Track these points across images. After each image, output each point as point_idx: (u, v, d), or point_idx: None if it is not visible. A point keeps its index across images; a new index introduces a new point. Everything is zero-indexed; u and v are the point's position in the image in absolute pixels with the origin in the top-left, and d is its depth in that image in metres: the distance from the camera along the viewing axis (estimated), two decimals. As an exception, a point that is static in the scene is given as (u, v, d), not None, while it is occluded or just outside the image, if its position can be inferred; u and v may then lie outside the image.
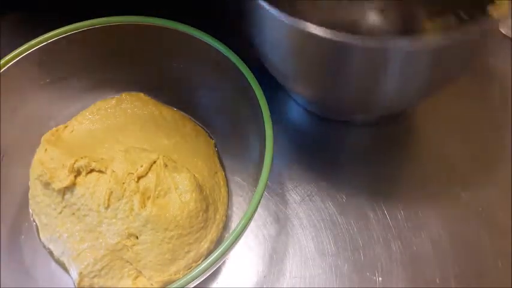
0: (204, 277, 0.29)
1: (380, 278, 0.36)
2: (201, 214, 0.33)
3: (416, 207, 0.39)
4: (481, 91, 0.45)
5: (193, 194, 0.33)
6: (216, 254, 0.27)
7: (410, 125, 0.43)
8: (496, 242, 0.37)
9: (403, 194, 0.40)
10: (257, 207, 0.28)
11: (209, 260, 0.27)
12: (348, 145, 0.43)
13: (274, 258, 0.37)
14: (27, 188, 0.35)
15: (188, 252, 0.33)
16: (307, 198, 0.39)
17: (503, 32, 0.48)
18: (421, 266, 0.36)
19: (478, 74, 0.46)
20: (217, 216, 0.35)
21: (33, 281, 0.33)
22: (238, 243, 0.29)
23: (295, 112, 0.43)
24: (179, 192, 0.33)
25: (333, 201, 0.39)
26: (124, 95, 0.39)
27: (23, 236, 0.35)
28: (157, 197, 0.33)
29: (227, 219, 0.36)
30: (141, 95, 0.39)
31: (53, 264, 0.34)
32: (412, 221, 0.38)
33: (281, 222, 0.38)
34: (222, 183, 0.37)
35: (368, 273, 0.36)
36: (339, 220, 0.38)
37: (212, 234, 0.34)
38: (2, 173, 0.35)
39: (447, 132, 0.43)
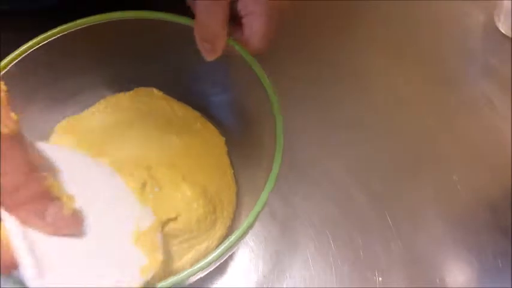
0: (209, 270, 0.29)
1: (380, 278, 0.36)
2: (209, 216, 0.33)
3: (417, 207, 0.39)
4: (480, 91, 0.45)
5: (200, 201, 0.33)
6: (216, 253, 0.27)
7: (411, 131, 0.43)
8: (496, 242, 0.37)
9: (403, 193, 0.40)
10: (263, 206, 0.28)
11: (209, 257, 0.27)
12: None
13: (274, 258, 0.37)
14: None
15: (197, 250, 0.33)
16: (307, 198, 0.39)
17: (503, 32, 0.48)
18: (421, 266, 0.36)
19: (478, 74, 0.46)
20: (225, 214, 0.35)
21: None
22: (241, 242, 0.29)
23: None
24: (186, 201, 0.33)
25: (332, 201, 0.39)
26: (137, 90, 0.39)
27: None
28: (165, 218, 0.32)
29: (235, 217, 0.36)
30: (154, 90, 0.39)
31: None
32: (412, 221, 0.38)
33: (281, 222, 0.38)
34: (230, 182, 0.37)
35: (368, 273, 0.36)
36: (339, 220, 0.38)
37: (221, 230, 0.34)
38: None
39: (447, 132, 0.43)
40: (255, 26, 0.31)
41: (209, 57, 0.32)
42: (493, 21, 0.48)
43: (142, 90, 0.39)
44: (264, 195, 0.28)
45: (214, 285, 0.36)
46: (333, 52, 0.46)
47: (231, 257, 0.37)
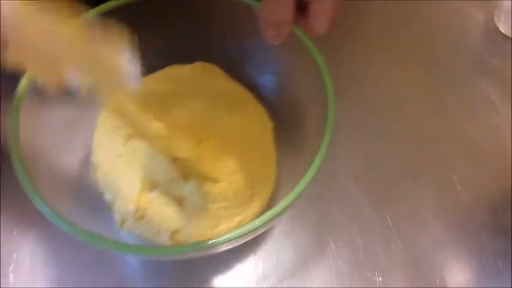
0: (240, 242, 0.29)
1: (380, 278, 0.36)
2: (247, 191, 0.34)
3: (416, 207, 0.39)
4: (480, 91, 0.45)
5: (240, 175, 0.34)
6: (248, 227, 0.27)
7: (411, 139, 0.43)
8: (496, 242, 0.37)
9: (403, 193, 0.40)
10: (300, 193, 0.29)
11: (250, 225, 0.27)
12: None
13: (274, 258, 0.37)
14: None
15: (231, 221, 0.34)
16: (307, 198, 0.39)
17: (503, 31, 0.48)
18: (421, 266, 0.36)
19: (478, 74, 0.46)
20: (262, 194, 0.35)
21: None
22: (252, 235, 0.29)
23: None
24: (227, 172, 0.35)
25: (332, 201, 0.39)
26: (198, 64, 0.40)
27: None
28: (208, 176, 0.34)
29: (271, 199, 0.36)
30: (214, 66, 0.40)
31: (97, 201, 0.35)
32: (412, 221, 0.38)
33: (282, 223, 0.38)
34: (272, 165, 0.37)
35: (368, 273, 0.36)
36: (339, 220, 0.38)
37: (256, 208, 0.35)
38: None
39: (447, 132, 0.43)
40: (323, 11, 0.31)
41: (274, 42, 0.32)
42: (493, 21, 0.48)
43: (203, 65, 0.40)
44: (298, 188, 0.28)
45: (214, 285, 0.36)
46: (336, 53, 0.46)
47: (231, 257, 0.37)
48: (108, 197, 0.35)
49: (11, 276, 0.36)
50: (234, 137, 0.37)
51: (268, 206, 0.35)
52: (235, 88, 0.40)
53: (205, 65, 0.40)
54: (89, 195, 0.35)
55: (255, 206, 0.35)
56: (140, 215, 0.34)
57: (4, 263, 0.36)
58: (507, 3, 0.46)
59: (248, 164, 0.36)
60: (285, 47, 0.33)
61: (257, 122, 0.39)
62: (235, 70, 0.40)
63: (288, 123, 0.38)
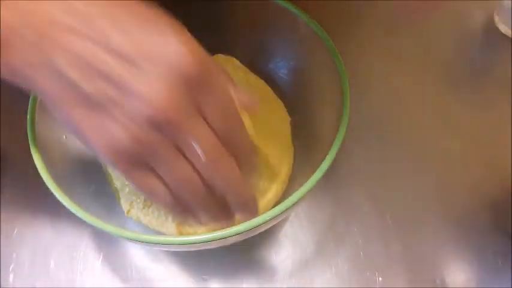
0: (245, 237, 0.29)
1: (380, 278, 0.36)
2: (262, 182, 0.35)
3: (417, 207, 0.39)
4: (480, 91, 0.45)
5: (260, 167, 0.34)
6: (254, 220, 0.27)
7: (410, 129, 0.43)
8: (496, 242, 0.37)
9: (403, 193, 0.40)
10: (310, 190, 0.29)
11: (248, 223, 0.27)
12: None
13: (274, 258, 0.37)
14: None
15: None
16: (307, 198, 0.39)
17: (502, 31, 0.48)
18: (421, 266, 0.36)
19: (478, 74, 0.46)
20: (277, 190, 0.36)
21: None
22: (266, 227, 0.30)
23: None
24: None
25: (332, 200, 0.39)
26: (217, 57, 0.40)
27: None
28: None
29: (285, 193, 0.36)
30: (234, 59, 0.40)
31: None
32: (412, 221, 0.38)
33: (281, 222, 0.38)
34: (290, 159, 0.38)
35: (368, 273, 0.36)
36: (339, 220, 0.38)
37: (268, 203, 0.35)
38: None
39: (447, 132, 0.43)
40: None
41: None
42: (493, 21, 0.48)
43: (221, 58, 0.40)
44: (307, 185, 0.29)
45: (214, 285, 0.36)
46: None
47: (230, 257, 0.37)
48: (117, 183, 0.35)
49: (11, 276, 0.36)
50: (255, 127, 0.37)
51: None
52: (255, 80, 0.40)
53: (225, 57, 0.41)
54: (97, 181, 0.35)
55: (268, 202, 0.35)
56: (148, 203, 0.34)
57: (4, 263, 0.36)
58: (507, 3, 0.46)
59: (267, 157, 0.36)
60: (303, 43, 0.34)
61: (277, 115, 0.39)
62: (253, 64, 0.40)
63: (304, 117, 0.38)
